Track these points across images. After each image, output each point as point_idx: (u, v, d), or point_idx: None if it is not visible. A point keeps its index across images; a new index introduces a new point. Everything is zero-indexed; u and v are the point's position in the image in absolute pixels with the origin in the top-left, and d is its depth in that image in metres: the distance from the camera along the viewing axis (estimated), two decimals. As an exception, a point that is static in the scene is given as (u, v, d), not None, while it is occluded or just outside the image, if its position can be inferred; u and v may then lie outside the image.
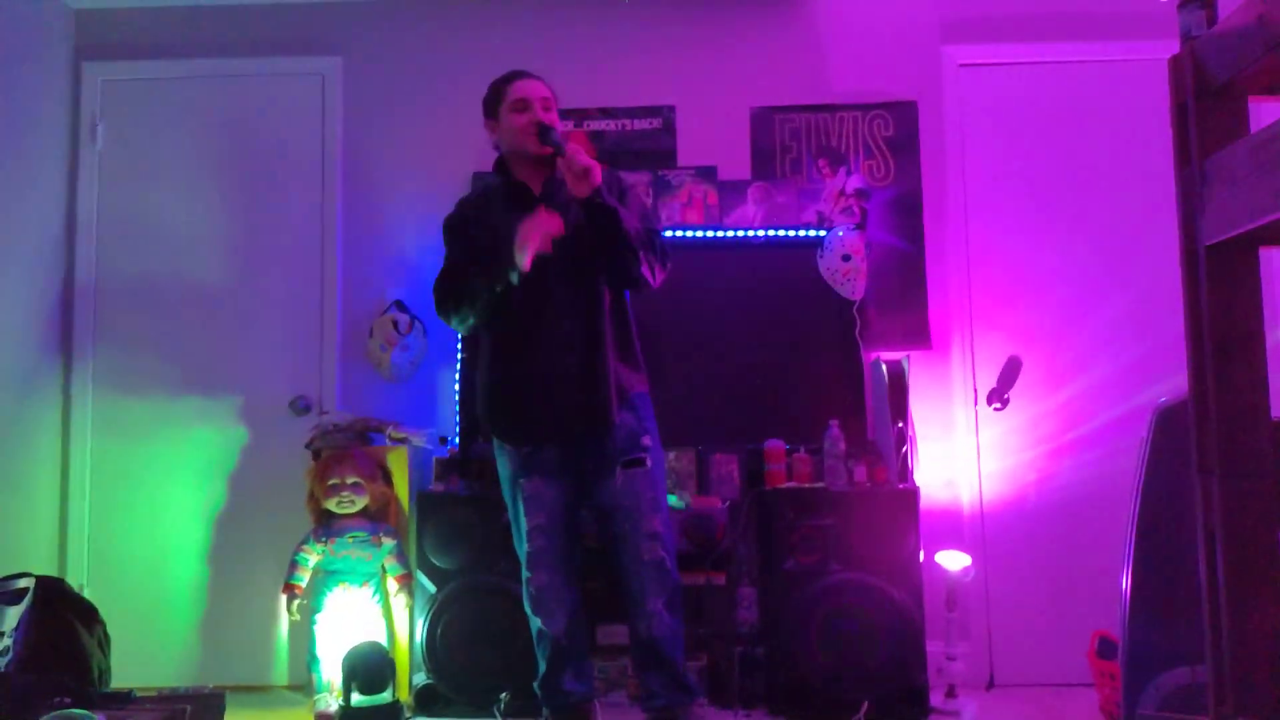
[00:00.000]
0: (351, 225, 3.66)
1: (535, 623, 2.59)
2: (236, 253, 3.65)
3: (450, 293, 2.53)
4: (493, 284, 2.44)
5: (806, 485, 3.13)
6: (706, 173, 3.54)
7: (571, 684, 2.59)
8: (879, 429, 3.31)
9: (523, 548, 2.58)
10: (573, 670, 2.60)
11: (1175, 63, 1.49)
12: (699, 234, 3.46)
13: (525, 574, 2.57)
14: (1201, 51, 1.44)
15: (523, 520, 2.55)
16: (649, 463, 2.53)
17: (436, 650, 3.01)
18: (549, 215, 2.40)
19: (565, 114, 3.68)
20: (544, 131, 2.49)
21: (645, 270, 2.48)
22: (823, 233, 3.39)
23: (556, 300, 2.51)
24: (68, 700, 2.52)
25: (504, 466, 2.61)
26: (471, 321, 2.54)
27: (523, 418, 2.54)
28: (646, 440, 2.55)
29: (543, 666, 2.61)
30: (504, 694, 2.92)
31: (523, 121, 2.52)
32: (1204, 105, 1.42)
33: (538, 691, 2.63)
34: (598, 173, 2.40)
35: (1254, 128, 1.41)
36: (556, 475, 2.54)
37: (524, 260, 2.36)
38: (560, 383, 2.49)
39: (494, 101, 2.60)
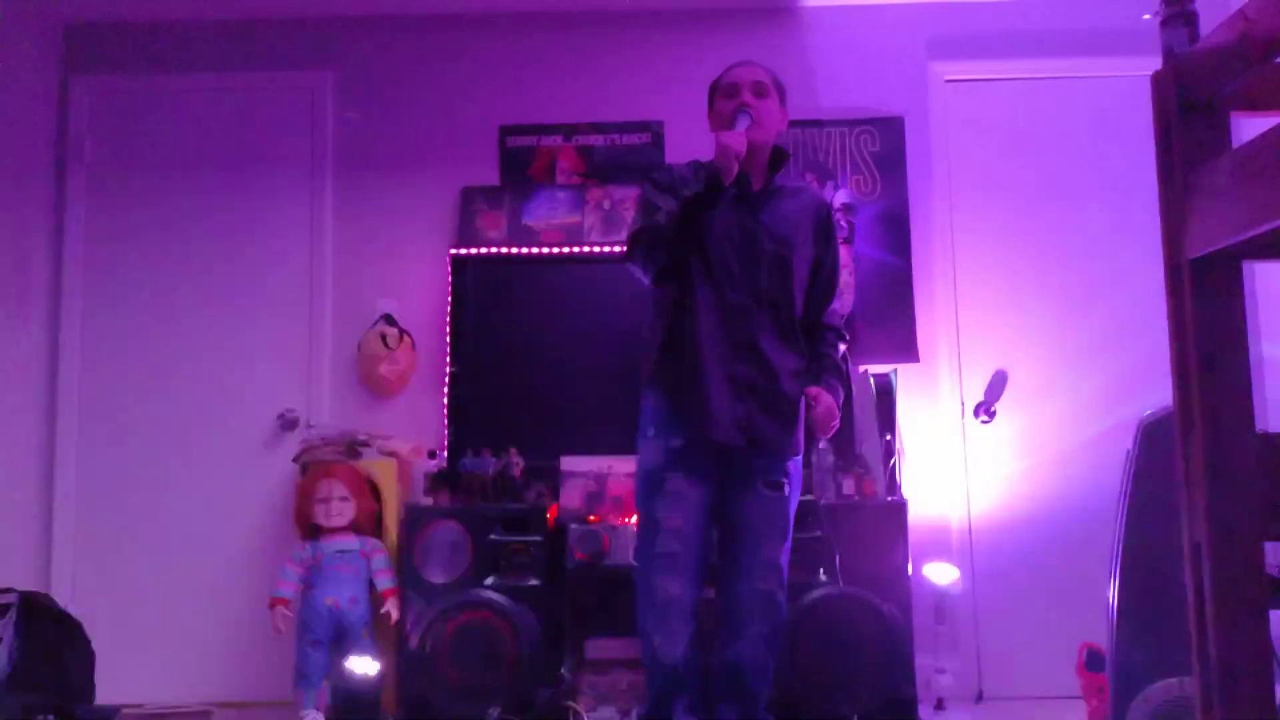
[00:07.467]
0: (342, 239, 3.66)
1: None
2: (227, 266, 3.64)
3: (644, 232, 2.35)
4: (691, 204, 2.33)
5: (795, 498, 3.13)
6: (695, 187, 3.55)
7: None
8: (867, 442, 3.32)
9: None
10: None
11: (1158, 79, 1.50)
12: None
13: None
14: (1184, 68, 1.45)
15: None
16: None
17: (425, 665, 3.00)
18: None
19: (555, 129, 3.70)
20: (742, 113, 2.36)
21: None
22: (811, 247, 3.40)
23: None
24: (50, 718, 2.50)
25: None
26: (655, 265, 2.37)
27: None
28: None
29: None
30: (493, 710, 2.90)
31: (728, 108, 2.39)
32: (1187, 121, 1.43)
33: None
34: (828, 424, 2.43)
35: (1235, 143, 1.43)
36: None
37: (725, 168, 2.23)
38: None
39: (711, 90, 2.53)
